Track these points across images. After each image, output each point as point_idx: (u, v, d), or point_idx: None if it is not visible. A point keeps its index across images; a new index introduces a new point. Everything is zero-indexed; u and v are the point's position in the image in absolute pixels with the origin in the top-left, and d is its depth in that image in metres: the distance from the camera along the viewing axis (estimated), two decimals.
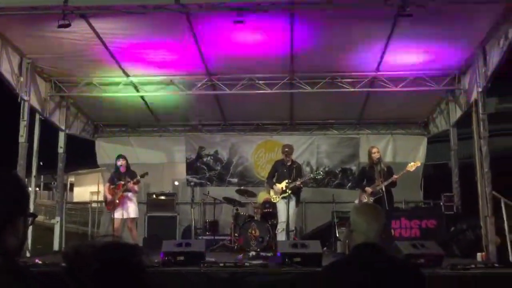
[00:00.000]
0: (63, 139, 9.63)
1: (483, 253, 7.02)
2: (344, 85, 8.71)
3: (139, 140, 11.19)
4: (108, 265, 1.40)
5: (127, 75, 8.77)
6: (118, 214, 8.12)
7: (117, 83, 8.94)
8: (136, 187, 8.37)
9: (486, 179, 7.23)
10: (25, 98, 7.86)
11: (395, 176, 7.75)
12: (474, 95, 7.72)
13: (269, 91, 8.74)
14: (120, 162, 8.34)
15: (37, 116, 8.67)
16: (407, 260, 5.23)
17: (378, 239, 2.35)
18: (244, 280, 5.65)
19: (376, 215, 2.45)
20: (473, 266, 6.22)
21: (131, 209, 8.26)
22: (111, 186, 8.34)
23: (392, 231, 8.23)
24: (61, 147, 9.62)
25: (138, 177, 8.28)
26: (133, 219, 8.34)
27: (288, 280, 5.55)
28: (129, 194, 8.26)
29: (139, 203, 9.78)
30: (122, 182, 8.19)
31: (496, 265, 6.42)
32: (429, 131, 10.84)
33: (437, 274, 5.59)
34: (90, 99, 9.65)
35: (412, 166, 7.88)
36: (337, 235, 8.63)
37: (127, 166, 8.39)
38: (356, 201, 7.98)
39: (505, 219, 6.94)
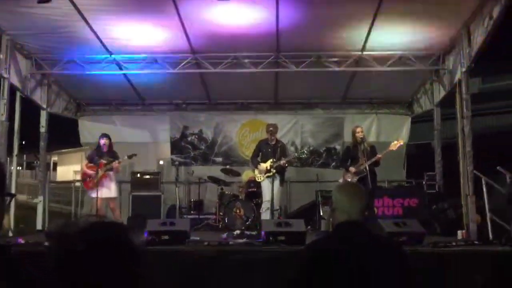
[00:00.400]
0: (45, 118, 9.48)
1: (464, 231, 7.16)
2: (330, 64, 8.69)
3: (123, 119, 11.08)
4: (94, 245, 1.38)
5: (110, 53, 8.62)
6: (99, 194, 7.96)
7: (100, 61, 8.79)
8: (120, 167, 8.32)
9: (468, 158, 7.33)
10: (5, 75, 7.70)
11: (378, 155, 7.80)
12: (458, 75, 7.77)
13: (254, 69, 8.69)
14: (104, 141, 8.20)
15: (18, 94, 8.51)
16: (390, 238, 5.30)
17: (361, 217, 2.38)
18: (228, 259, 5.69)
19: (358, 194, 2.47)
20: (453, 243, 6.35)
21: (113, 189, 8.16)
22: (90, 164, 8.19)
23: (375, 209, 8.34)
24: (42, 126, 9.48)
25: (125, 157, 8.19)
26: (114, 198, 8.26)
27: (272, 259, 5.60)
28: (111, 173, 8.15)
29: (123, 182, 9.76)
30: (104, 161, 8.04)
31: (476, 242, 6.56)
32: (413, 111, 10.91)
33: (418, 251, 5.69)
34: (72, 77, 9.48)
35: (395, 145, 7.93)
36: (321, 213, 8.72)
37: (110, 146, 8.25)
38: (340, 180, 8.03)
39: (485, 197, 7.06)
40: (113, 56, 8.67)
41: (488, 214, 6.95)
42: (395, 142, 8.01)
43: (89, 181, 8.12)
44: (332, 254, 2.27)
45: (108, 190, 8.05)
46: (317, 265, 2.27)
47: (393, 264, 2.28)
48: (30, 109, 9.19)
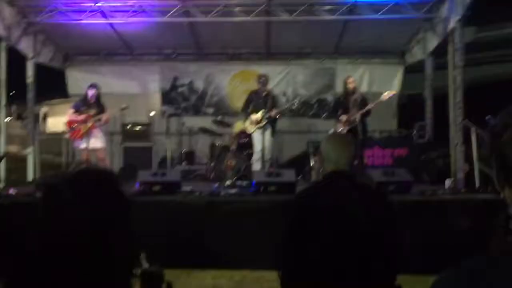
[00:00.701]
0: (31, 68, 9.29)
1: (452, 180, 7.28)
2: (322, 13, 8.50)
3: (112, 69, 10.87)
4: (82, 193, 1.38)
5: (95, 1, 8.35)
6: (87, 144, 7.90)
7: (85, 9, 8.51)
8: (109, 120, 8.28)
9: (458, 108, 7.34)
10: None
11: (369, 105, 7.80)
12: (451, 24, 7.65)
13: (245, 18, 8.48)
14: (92, 92, 8.05)
15: (3, 44, 8.29)
16: (376, 187, 5.38)
17: (348, 167, 2.39)
18: (220, 209, 5.77)
19: (346, 144, 2.48)
20: (441, 192, 6.48)
21: (101, 139, 8.10)
22: (76, 113, 8.03)
23: (365, 159, 8.42)
24: (29, 77, 9.31)
25: (117, 110, 8.11)
26: (103, 149, 8.20)
27: (262, 208, 5.69)
28: (98, 124, 8.06)
29: (114, 134, 9.73)
30: (92, 112, 7.93)
31: (463, 191, 6.69)
32: (406, 61, 10.82)
33: (406, 199, 5.81)
34: (58, 26, 9.20)
35: (387, 95, 7.91)
36: (312, 164, 8.78)
37: (98, 97, 8.12)
38: (331, 131, 8.04)
39: (474, 147, 7.12)
40: (98, 4, 8.40)
41: (475, 163, 7.03)
42: (387, 92, 7.98)
43: (76, 132, 8.02)
44: (320, 204, 2.29)
45: (96, 141, 7.99)
46: (305, 216, 2.29)
47: (380, 213, 2.31)
48: (16, 59, 8.98)
